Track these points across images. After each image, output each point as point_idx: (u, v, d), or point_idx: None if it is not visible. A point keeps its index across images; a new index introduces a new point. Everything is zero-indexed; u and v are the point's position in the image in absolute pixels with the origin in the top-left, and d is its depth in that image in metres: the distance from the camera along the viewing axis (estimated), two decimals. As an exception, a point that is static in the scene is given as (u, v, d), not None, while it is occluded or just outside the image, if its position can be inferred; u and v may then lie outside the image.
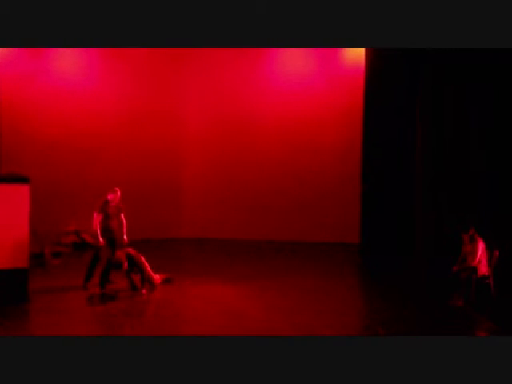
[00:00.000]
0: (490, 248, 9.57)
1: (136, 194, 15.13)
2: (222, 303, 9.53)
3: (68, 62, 14.84)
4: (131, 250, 10.32)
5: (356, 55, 14.77)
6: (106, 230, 10.30)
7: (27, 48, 14.22)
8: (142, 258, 10.37)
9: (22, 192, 9.37)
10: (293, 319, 8.62)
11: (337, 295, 10.18)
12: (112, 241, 10.37)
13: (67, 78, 14.88)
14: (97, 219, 10.24)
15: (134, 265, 10.21)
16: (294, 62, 15.43)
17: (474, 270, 9.38)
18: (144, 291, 10.10)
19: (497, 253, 9.56)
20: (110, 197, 10.33)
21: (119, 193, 10.41)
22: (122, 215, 10.56)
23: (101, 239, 10.21)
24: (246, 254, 14.03)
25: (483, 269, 9.44)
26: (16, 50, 14.17)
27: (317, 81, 15.43)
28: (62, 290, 10.29)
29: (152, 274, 10.40)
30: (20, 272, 9.28)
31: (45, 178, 13.84)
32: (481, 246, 9.45)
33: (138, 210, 15.01)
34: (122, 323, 8.65)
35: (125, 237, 10.51)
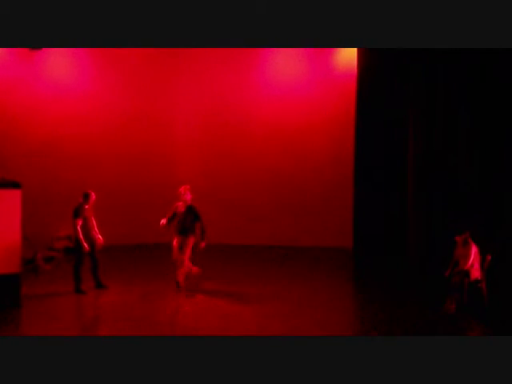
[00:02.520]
0: (482, 252, 9.60)
1: (128, 198, 15.13)
2: (217, 307, 9.52)
3: (58, 67, 14.82)
4: (191, 240, 10.58)
5: (347, 58, 14.80)
6: (86, 234, 10.40)
7: (17, 51, 14.18)
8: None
9: (14, 197, 9.35)
10: (287, 322, 8.63)
11: (331, 298, 10.18)
12: (91, 243, 10.45)
13: (57, 83, 14.85)
14: (78, 225, 10.31)
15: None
16: (285, 65, 15.44)
17: (467, 273, 9.40)
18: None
19: (489, 257, 9.59)
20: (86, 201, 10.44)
21: (94, 196, 10.50)
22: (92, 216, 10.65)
23: (85, 245, 10.28)
24: (238, 258, 14.02)
25: (476, 273, 9.46)
26: (6, 53, 14.13)
27: (308, 84, 15.44)
28: (54, 294, 10.25)
29: (186, 263, 10.50)
30: (12, 277, 9.26)
31: (36, 183, 13.81)
32: (474, 249, 9.47)
33: (130, 214, 15.02)
34: (116, 326, 8.60)
35: (99, 236, 10.57)
